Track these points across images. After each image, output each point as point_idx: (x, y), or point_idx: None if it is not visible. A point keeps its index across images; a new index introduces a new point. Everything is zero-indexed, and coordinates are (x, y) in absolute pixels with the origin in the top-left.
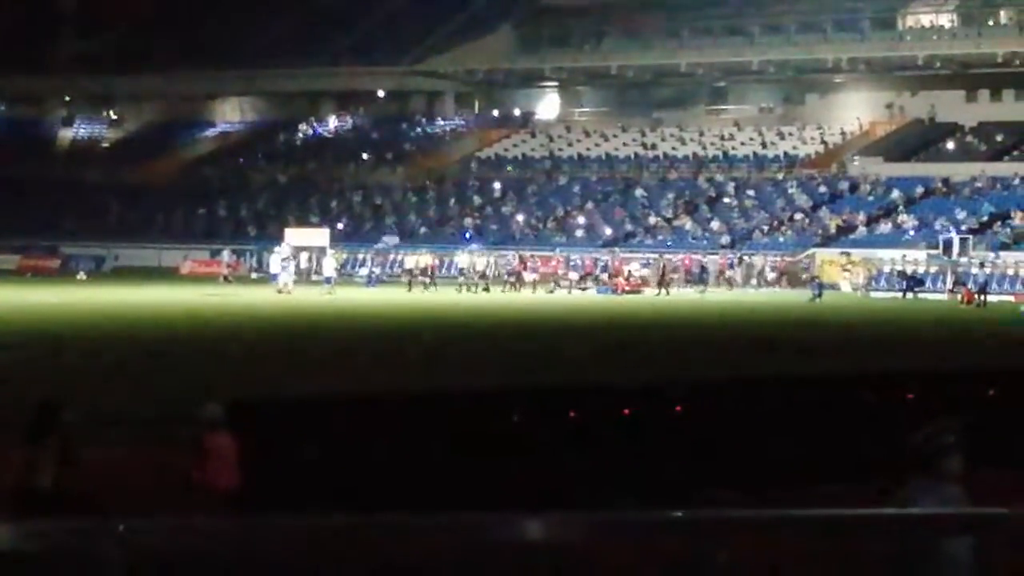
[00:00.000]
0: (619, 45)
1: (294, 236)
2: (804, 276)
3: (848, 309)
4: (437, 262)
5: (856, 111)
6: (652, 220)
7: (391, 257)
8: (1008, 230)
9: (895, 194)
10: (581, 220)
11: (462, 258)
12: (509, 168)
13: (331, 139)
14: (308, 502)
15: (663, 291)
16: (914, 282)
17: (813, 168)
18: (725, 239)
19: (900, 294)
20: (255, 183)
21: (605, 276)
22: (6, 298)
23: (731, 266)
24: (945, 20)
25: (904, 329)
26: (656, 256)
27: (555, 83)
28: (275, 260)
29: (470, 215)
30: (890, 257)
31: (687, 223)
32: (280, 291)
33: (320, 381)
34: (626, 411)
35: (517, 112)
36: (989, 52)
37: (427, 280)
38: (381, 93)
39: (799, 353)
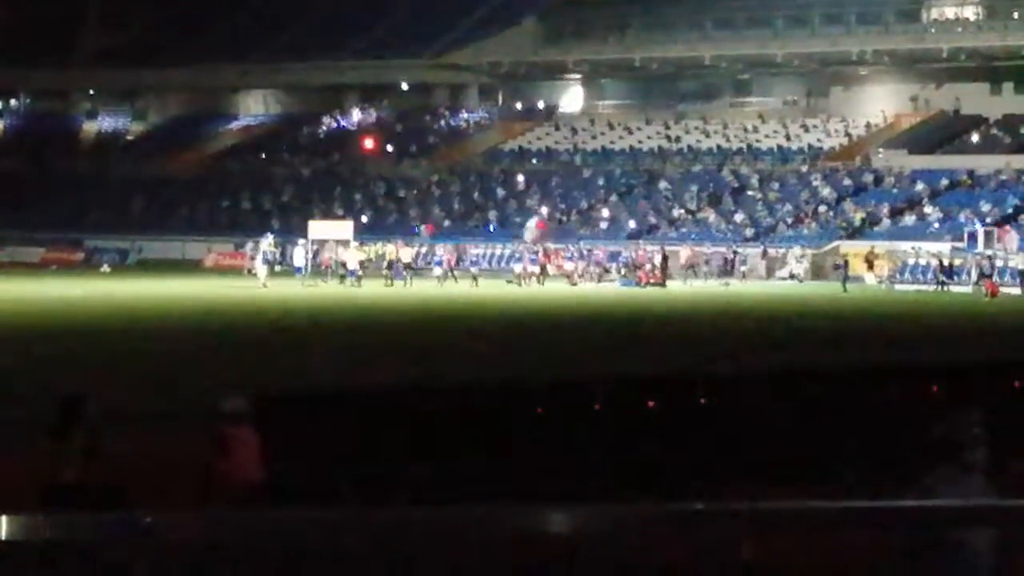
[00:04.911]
0: (643, 37)
1: (318, 229)
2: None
3: (872, 302)
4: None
5: (880, 103)
6: (676, 213)
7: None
8: None
9: (920, 186)
10: (605, 213)
11: (389, 249)
12: (533, 161)
13: (355, 132)
14: (332, 495)
15: (663, 283)
16: (947, 274)
17: (837, 161)
18: (749, 232)
19: (926, 286)
20: (279, 176)
21: (627, 268)
22: (30, 291)
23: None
24: (970, 12)
25: (928, 321)
26: (657, 248)
27: (578, 75)
28: (299, 253)
29: (492, 208)
30: (913, 249)
31: (711, 216)
32: (264, 286)
33: (343, 374)
34: (651, 403)
35: (541, 105)
36: (1014, 44)
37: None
38: (405, 86)
39: (823, 345)
